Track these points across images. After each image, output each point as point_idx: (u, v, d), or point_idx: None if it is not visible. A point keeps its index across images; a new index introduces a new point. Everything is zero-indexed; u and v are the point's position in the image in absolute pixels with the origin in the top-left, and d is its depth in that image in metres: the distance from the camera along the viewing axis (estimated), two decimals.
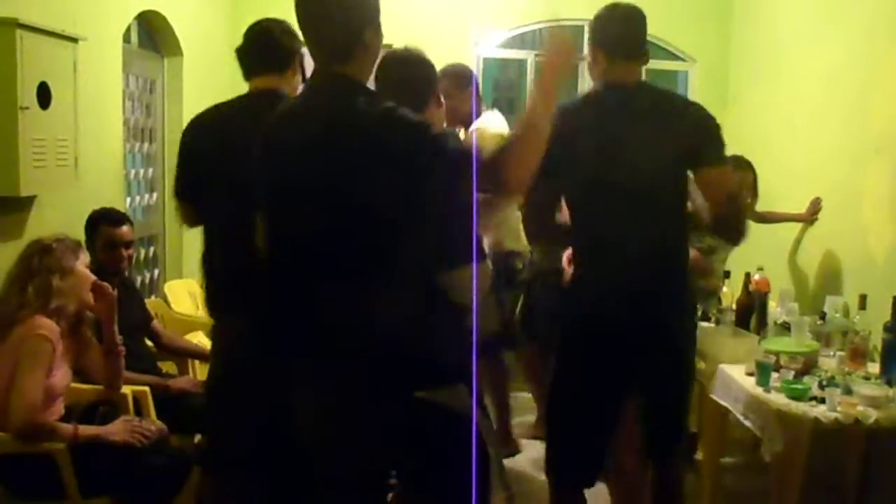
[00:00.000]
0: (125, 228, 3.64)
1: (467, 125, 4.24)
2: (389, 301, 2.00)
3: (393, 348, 2.00)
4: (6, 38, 3.05)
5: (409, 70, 2.50)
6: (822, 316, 3.81)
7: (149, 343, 3.96)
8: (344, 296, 2.02)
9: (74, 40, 3.54)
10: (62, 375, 2.98)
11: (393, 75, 2.42)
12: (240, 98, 2.86)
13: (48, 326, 2.89)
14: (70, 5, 3.79)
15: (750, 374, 3.30)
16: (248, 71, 2.86)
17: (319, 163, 2.00)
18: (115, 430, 2.97)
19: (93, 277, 3.12)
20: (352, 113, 1.99)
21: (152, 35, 5.21)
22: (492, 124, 4.26)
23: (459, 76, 4.25)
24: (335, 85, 2.08)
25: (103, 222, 3.60)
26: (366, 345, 2.02)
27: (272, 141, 2.16)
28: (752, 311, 3.94)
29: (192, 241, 5.47)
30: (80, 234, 3.64)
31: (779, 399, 3.07)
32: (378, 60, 2.24)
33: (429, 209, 1.99)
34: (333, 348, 2.05)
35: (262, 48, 2.83)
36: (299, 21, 2.14)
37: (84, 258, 3.13)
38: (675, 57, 6.70)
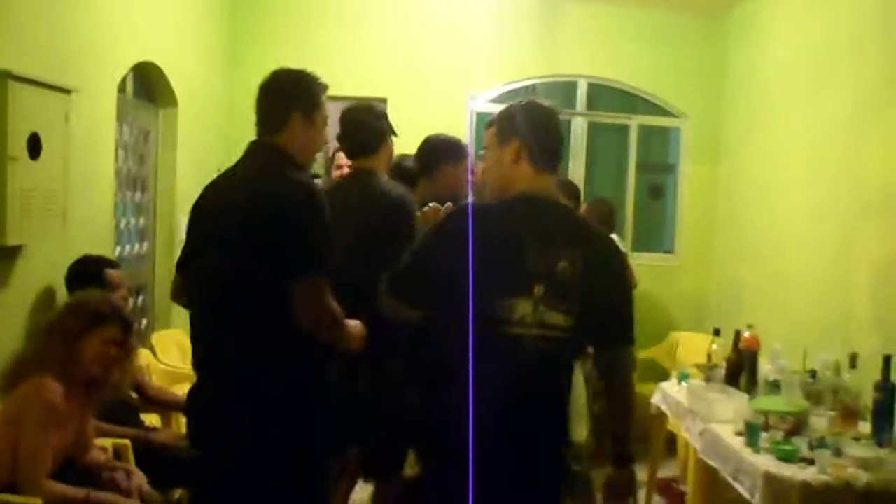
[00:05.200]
0: (117, 272, 3.71)
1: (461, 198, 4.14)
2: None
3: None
4: None
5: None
6: (813, 374, 3.78)
7: (133, 394, 3.91)
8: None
9: (67, 91, 3.56)
10: (62, 436, 2.92)
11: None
12: (346, 177, 3.46)
13: (55, 389, 2.84)
14: (65, 56, 3.81)
15: (739, 434, 3.26)
16: (348, 153, 3.41)
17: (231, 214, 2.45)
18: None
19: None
20: (262, 177, 2.47)
21: (147, 85, 5.25)
22: None
23: (454, 150, 4.17)
24: (260, 153, 2.55)
25: (106, 266, 3.67)
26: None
27: (202, 197, 2.60)
28: (741, 369, 3.91)
29: None
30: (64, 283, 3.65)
31: (768, 461, 3.04)
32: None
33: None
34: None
35: (354, 136, 3.33)
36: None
37: None
38: (667, 113, 6.77)
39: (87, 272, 3.63)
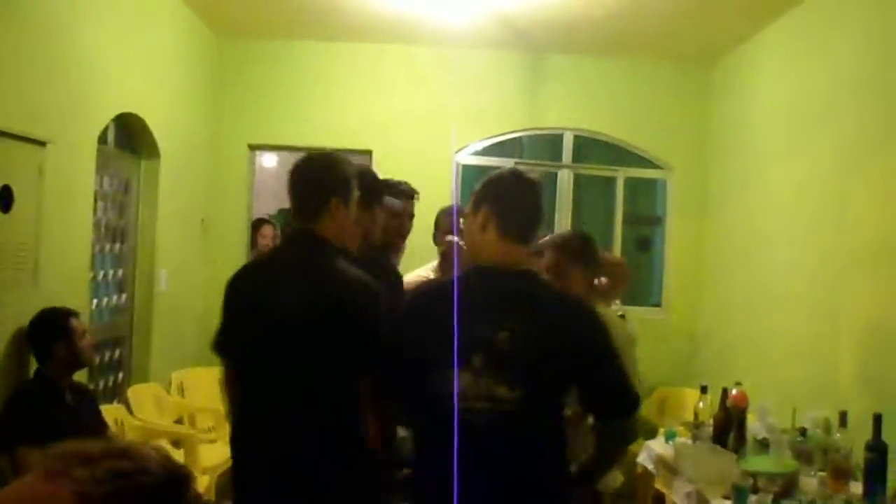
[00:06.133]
0: (79, 320, 3.68)
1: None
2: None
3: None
4: None
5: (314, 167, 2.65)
6: (803, 432, 3.70)
7: None
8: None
9: (42, 143, 3.50)
10: None
11: (297, 175, 2.59)
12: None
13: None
14: (43, 108, 3.77)
15: (726, 498, 3.17)
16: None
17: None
18: None
19: None
20: (320, 272, 2.44)
21: (129, 136, 5.21)
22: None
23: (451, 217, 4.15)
24: (306, 243, 2.52)
25: (67, 316, 3.61)
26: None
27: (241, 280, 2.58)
28: (729, 428, 3.83)
29: (161, 343, 5.37)
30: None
31: None
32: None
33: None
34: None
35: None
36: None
37: None
38: (653, 165, 6.76)
39: (50, 324, 3.58)
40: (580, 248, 3.10)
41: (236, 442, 2.54)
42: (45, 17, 3.80)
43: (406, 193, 3.59)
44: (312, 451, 2.37)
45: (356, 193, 2.58)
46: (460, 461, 2.05)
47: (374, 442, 2.48)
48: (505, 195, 2.27)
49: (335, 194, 2.50)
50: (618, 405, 2.27)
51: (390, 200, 3.27)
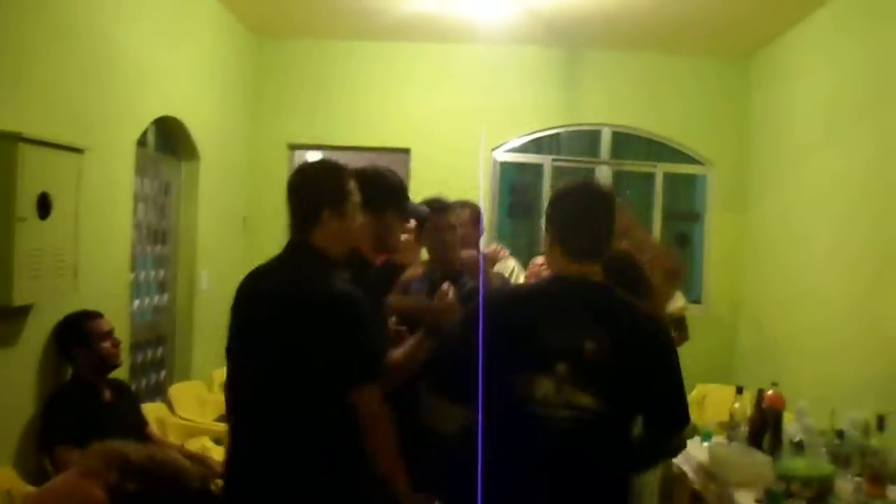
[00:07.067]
0: (102, 320, 3.72)
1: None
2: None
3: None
4: (8, 151, 3.09)
5: (305, 177, 2.61)
6: (840, 434, 3.63)
7: None
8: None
9: (80, 151, 3.58)
10: None
11: (290, 186, 2.57)
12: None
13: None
14: (82, 113, 3.86)
15: (759, 502, 3.13)
16: None
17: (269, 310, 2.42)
18: None
19: None
20: (304, 285, 2.39)
21: (170, 138, 5.30)
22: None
23: (475, 215, 4.11)
24: (298, 253, 2.49)
25: (86, 320, 3.66)
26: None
27: (244, 287, 2.56)
28: (765, 429, 3.77)
29: (202, 341, 5.46)
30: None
31: None
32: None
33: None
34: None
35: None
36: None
37: None
38: (693, 161, 6.68)
39: (68, 329, 3.65)
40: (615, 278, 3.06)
41: (228, 447, 2.55)
42: (83, 25, 3.88)
43: (437, 207, 3.42)
44: (276, 466, 2.35)
45: (355, 199, 2.51)
46: (533, 465, 2.11)
47: (387, 463, 2.37)
48: (568, 217, 2.26)
49: (327, 204, 2.45)
50: (675, 422, 2.30)
51: (418, 208, 3.13)
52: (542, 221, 2.39)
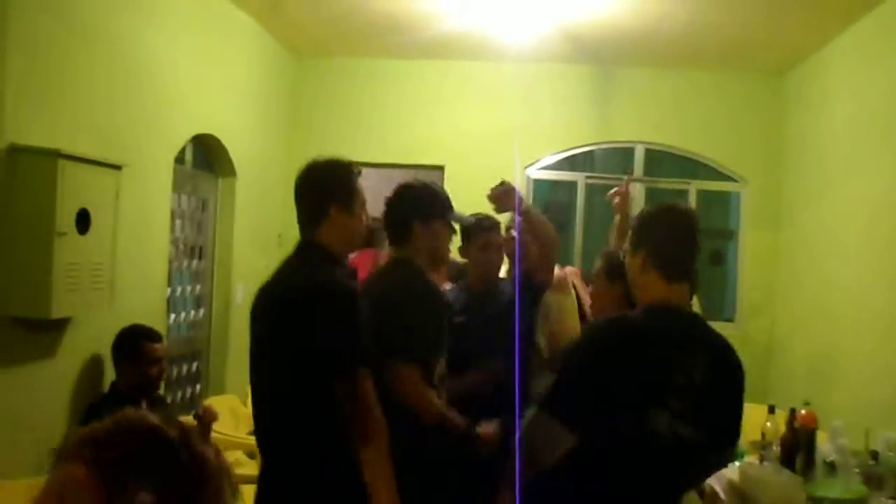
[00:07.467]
0: (159, 345, 3.78)
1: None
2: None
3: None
4: (48, 168, 3.18)
5: (312, 175, 2.59)
6: (875, 455, 3.58)
7: None
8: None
9: (118, 167, 3.67)
10: None
11: (297, 186, 2.58)
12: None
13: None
14: (122, 131, 3.96)
15: None
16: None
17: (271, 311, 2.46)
18: None
19: None
20: (291, 278, 2.44)
21: (207, 155, 5.40)
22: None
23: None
24: (300, 251, 2.51)
25: (144, 339, 3.73)
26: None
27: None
28: (797, 449, 3.73)
29: (237, 356, 5.53)
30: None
31: None
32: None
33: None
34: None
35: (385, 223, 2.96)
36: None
37: None
38: (726, 178, 6.64)
39: (123, 342, 3.73)
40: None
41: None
42: (125, 45, 3.98)
43: (487, 225, 3.45)
44: (277, 455, 2.43)
45: (363, 198, 2.53)
46: (636, 495, 2.17)
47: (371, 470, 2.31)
48: (662, 236, 2.28)
49: (334, 200, 2.46)
50: (734, 438, 2.33)
51: (464, 217, 3.21)
52: (627, 244, 2.35)
